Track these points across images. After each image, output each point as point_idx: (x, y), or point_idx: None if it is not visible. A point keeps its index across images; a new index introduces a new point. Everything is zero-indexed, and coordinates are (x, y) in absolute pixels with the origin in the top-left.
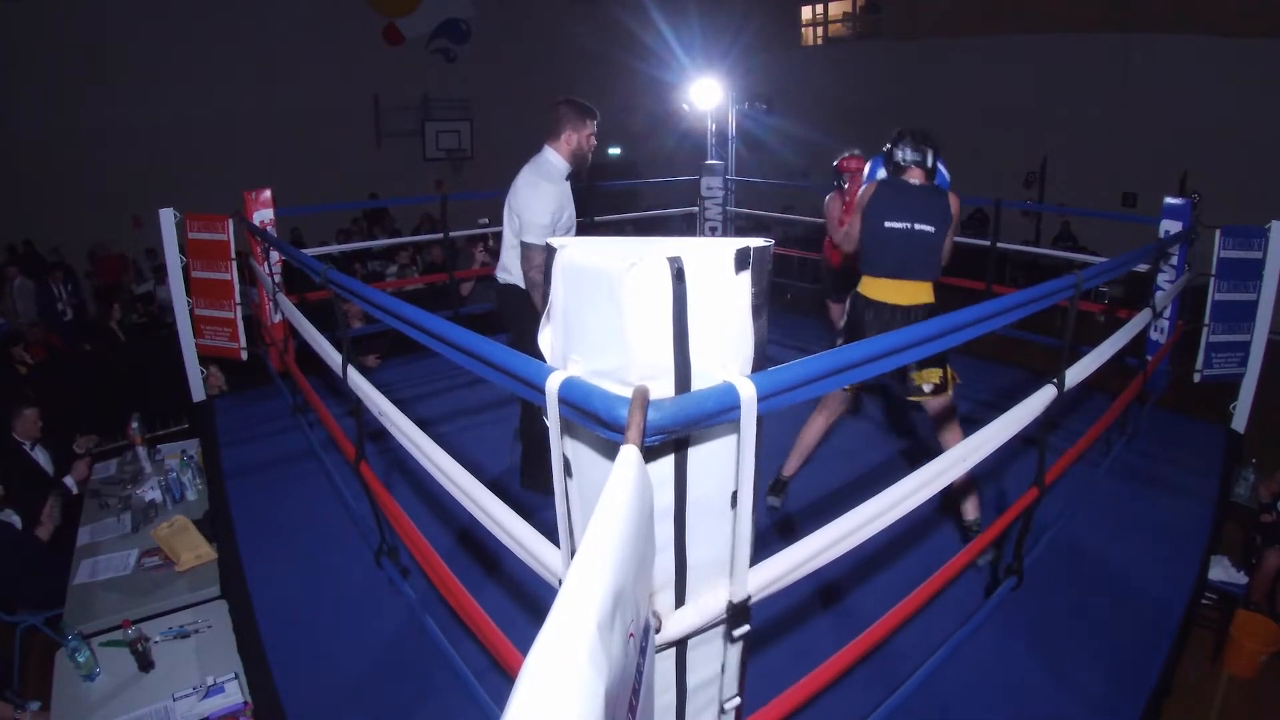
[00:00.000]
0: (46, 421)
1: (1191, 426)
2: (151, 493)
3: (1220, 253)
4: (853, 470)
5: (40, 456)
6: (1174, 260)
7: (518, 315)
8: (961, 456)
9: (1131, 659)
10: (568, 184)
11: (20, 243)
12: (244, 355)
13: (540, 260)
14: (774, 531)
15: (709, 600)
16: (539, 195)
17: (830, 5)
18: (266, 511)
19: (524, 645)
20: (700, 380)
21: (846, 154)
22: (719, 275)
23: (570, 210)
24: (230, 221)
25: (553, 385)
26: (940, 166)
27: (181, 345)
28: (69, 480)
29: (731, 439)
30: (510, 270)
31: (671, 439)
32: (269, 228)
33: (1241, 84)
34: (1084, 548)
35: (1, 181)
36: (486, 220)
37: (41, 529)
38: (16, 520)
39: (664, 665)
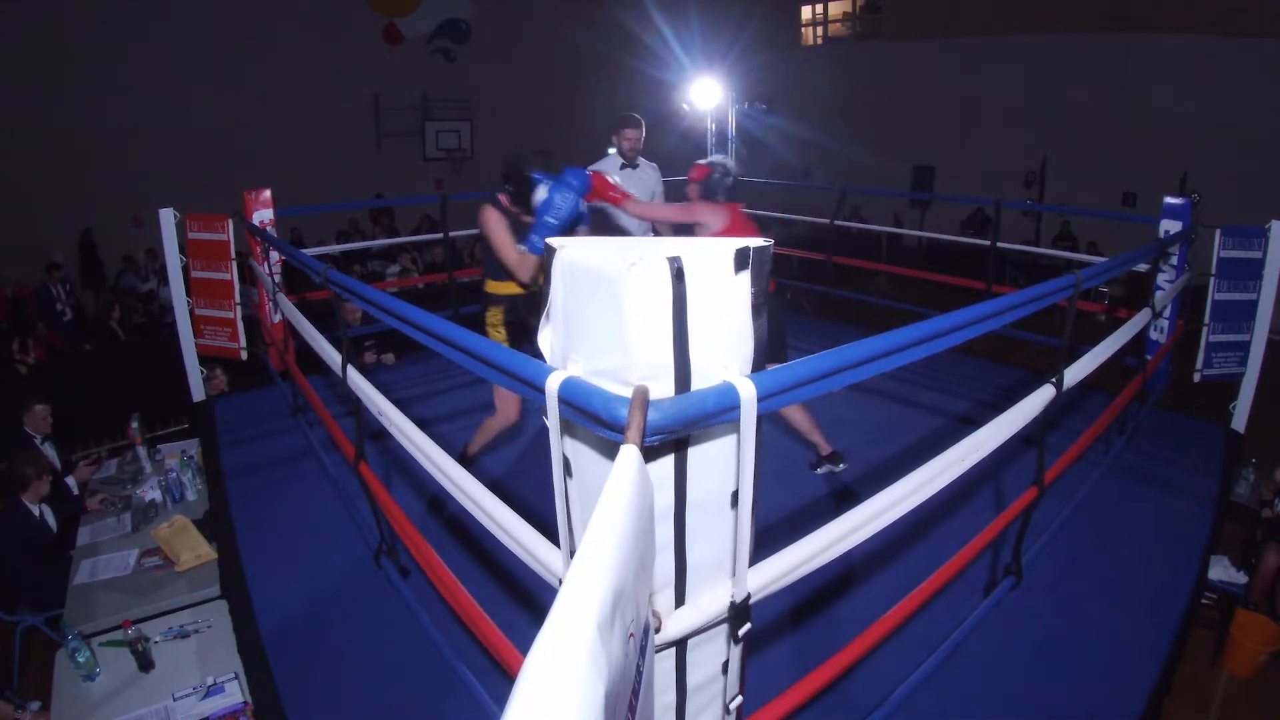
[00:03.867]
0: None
1: (1191, 426)
2: (151, 493)
3: (1220, 252)
4: (853, 470)
5: (49, 451)
6: (1174, 260)
7: None
8: (961, 456)
9: (1131, 659)
10: (626, 171)
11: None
12: (244, 355)
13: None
14: (774, 531)
15: (709, 600)
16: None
17: (830, 5)
18: (266, 511)
19: (524, 645)
20: (700, 380)
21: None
22: (719, 275)
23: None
24: (230, 221)
25: (552, 385)
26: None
27: (181, 345)
28: (70, 480)
29: (731, 439)
30: None
31: (671, 439)
32: (269, 228)
33: (1241, 84)
34: (1083, 547)
35: (1, 181)
36: None
37: (85, 468)
38: (52, 521)
39: (664, 665)
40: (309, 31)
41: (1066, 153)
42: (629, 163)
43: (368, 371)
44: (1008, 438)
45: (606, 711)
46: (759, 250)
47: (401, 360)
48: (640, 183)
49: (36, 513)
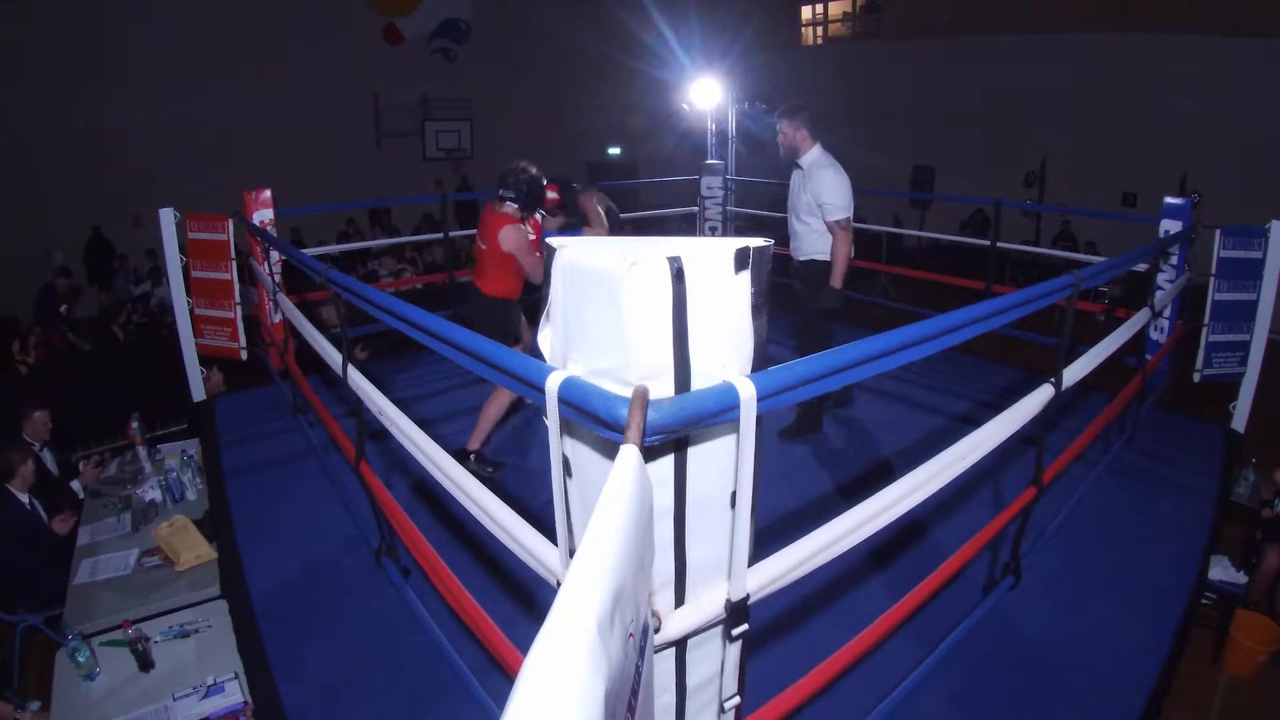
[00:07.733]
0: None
1: (1191, 426)
2: (151, 493)
3: (1220, 252)
4: (852, 470)
5: (46, 458)
6: (1174, 260)
7: (817, 284)
8: (961, 455)
9: (1131, 659)
10: (798, 170)
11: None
12: (244, 355)
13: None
14: (774, 531)
15: (709, 600)
16: None
17: (830, 5)
18: (266, 511)
19: (524, 645)
20: (700, 380)
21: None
22: (719, 275)
23: (794, 197)
24: (230, 221)
25: (552, 385)
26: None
27: (181, 345)
28: (75, 484)
29: (731, 439)
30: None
31: (671, 439)
32: (269, 228)
33: (1241, 84)
34: (1083, 547)
35: (1, 182)
36: None
37: (61, 523)
38: (42, 513)
39: (664, 665)
40: (309, 31)
41: (1066, 153)
42: (789, 162)
43: (364, 370)
44: (1007, 437)
45: (606, 712)
46: (759, 250)
47: (401, 360)
48: (798, 186)
49: (26, 501)
